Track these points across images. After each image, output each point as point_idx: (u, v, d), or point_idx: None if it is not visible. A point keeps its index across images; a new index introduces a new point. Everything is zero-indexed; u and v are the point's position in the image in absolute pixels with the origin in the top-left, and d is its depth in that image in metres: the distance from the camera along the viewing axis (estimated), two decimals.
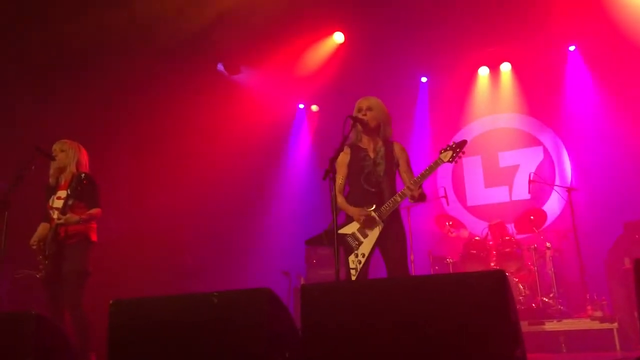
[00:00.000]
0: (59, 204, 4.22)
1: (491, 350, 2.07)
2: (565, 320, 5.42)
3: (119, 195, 5.95)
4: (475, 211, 7.91)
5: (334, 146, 3.52)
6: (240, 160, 7.48)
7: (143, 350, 2.50)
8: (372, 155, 3.96)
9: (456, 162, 3.86)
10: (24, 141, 5.32)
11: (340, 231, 3.81)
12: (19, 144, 5.33)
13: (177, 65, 6.93)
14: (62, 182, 4.39)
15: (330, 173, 3.33)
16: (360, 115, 3.93)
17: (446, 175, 8.13)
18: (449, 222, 7.13)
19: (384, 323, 2.24)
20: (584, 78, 7.44)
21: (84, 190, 4.16)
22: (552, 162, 7.61)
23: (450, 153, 3.84)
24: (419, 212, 7.09)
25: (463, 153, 3.85)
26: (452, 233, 7.07)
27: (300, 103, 9.06)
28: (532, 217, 6.63)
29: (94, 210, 4.31)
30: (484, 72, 8.13)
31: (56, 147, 4.46)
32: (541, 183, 6.91)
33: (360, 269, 3.74)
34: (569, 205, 6.28)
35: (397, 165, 4.00)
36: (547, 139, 7.73)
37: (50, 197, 4.37)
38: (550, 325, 5.40)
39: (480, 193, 7.97)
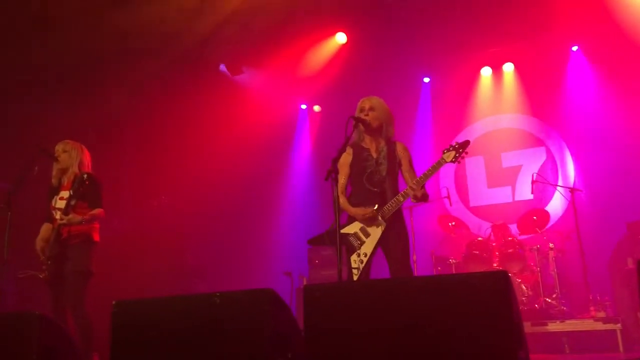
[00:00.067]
0: (61, 204, 4.22)
1: (494, 351, 2.07)
2: (568, 321, 5.40)
3: (121, 195, 5.97)
4: (478, 211, 7.90)
5: (337, 146, 3.52)
6: (243, 161, 7.48)
7: (145, 350, 2.50)
8: (374, 155, 3.96)
9: (459, 162, 3.87)
10: (26, 142, 5.33)
11: (343, 231, 3.82)
12: (22, 145, 5.34)
13: (179, 66, 6.94)
14: (65, 183, 4.40)
15: (332, 173, 3.33)
16: (362, 116, 3.93)
17: (449, 176, 8.12)
18: (451, 223, 7.13)
19: (387, 323, 2.24)
20: (587, 78, 7.42)
21: (86, 191, 4.17)
22: (554, 162, 7.60)
23: (453, 153, 3.84)
24: (421, 212, 7.08)
25: (466, 153, 3.85)
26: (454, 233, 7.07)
27: (303, 103, 9.06)
28: (535, 218, 6.62)
29: (97, 211, 4.32)
30: (486, 72, 8.12)
31: (59, 147, 4.47)
32: (544, 183, 6.90)
33: (363, 269, 3.75)
34: (572, 205, 6.27)
35: (400, 165, 4.00)
36: (549, 139, 7.71)
37: (53, 197, 4.38)
38: (553, 326, 5.38)
39: (483, 193, 7.96)
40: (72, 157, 4.43)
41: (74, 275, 4.17)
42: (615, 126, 6.99)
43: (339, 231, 3.30)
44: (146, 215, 6.72)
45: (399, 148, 4.02)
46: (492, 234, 6.82)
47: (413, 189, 3.74)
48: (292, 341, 2.41)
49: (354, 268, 3.76)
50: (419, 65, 8.10)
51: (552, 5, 6.57)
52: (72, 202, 4.13)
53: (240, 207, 7.83)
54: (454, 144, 3.87)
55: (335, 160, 3.42)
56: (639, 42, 6.61)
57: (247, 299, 2.43)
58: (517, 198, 7.65)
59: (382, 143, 3.99)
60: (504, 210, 7.55)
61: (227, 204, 7.52)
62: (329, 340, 2.32)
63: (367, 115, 3.94)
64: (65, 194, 4.27)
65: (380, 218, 3.78)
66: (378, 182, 3.89)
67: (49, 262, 4.15)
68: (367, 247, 3.78)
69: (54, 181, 4.45)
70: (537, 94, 7.76)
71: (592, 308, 5.46)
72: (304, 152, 8.99)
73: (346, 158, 3.96)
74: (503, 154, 7.91)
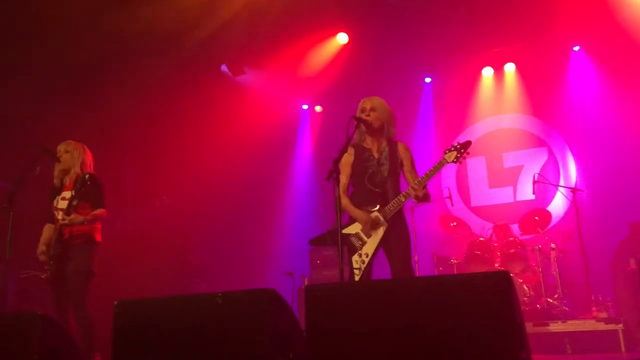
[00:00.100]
0: (63, 204, 4.23)
1: (495, 351, 2.06)
2: (570, 322, 5.40)
3: (123, 196, 5.97)
4: (480, 212, 7.90)
5: (338, 147, 3.51)
6: (245, 161, 7.48)
7: (147, 350, 2.51)
8: (376, 155, 3.96)
9: (460, 162, 3.86)
10: (26, 142, 5.34)
11: (344, 231, 3.82)
12: (22, 145, 5.35)
13: (181, 67, 6.95)
14: (67, 183, 4.40)
15: (334, 173, 3.33)
16: (363, 116, 3.93)
17: (450, 176, 8.12)
18: (453, 223, 7.13)
19: (388, 324, 2.24)
20: (589, 78, 7.42)
21: (88, 191, 4.17)
22: (556, 162, 7.59)
23: (454, 153, 3.83)
24: (423, 212, 7.08)
25: (467, 154, 3.84)
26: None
27: (304, 104, 9.07)
28: (536, 218, 6.61)
29: (99, 211, 4.32)
30: (488, 72, 8.11)
31: (61, 148, 4.47)
32: (545, 183, 6.90)
33: (364, 269, 3.75)
34: (574, 205, 6.26)
35: (401, 165, 3.99)
36: (551, 139, 7.71)
37: (55, 198, 4.38)
38: (555, 327, 5.38)
39: (485, 193, 7.96)
40: (74, 158, 4.43)
41: (76, 275, 4.17)
42: (617, 126, 6.98)
43: (341, 231, 3.30)
44: (147, 215, 6.72)
45: (401, 148, 4.01)
46: (493, 234, 6.82)
47: (415, 189, 3.73)
48: (294, 341, 2.41)
49: (356, 268, 3.75)
50: (420, 65, 8.09)
51: (554, 5, 6.56)
52: (74, 203, 4.13)
53: (242, 207, 7.83)
54: (455, 144, 3.86)
55: (337, 160, 3.42)
56: None
57: (249, 299, 2.43)
58: (518, 198, 7.65)
59: (384, 143, 3.99)
60: (506, 210, 7.54)
61: (228, 204, 7.52)
62: (330, 340, 2.32)
63: (368, 115, 3.94)
64: (67, 194, 4.27)
65: (381, 218, 3.78)
66: (380, 182, 3.89)
67: (51, 262, 4.15)
68: (369, 247, 3.78)
69: (55, 181, 4.45)
70: (539, 94, 7.76)
71: (594, 308, 5.46)
72: (305, 152, 9.00)
73: (348, 158, 3.96)
74: (504, 154, 7.90)
